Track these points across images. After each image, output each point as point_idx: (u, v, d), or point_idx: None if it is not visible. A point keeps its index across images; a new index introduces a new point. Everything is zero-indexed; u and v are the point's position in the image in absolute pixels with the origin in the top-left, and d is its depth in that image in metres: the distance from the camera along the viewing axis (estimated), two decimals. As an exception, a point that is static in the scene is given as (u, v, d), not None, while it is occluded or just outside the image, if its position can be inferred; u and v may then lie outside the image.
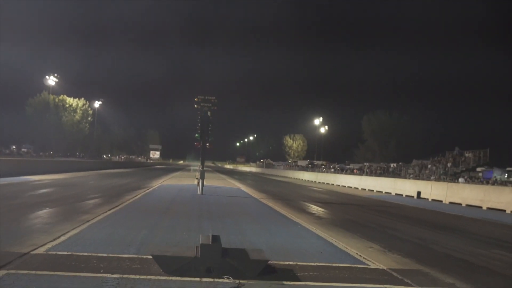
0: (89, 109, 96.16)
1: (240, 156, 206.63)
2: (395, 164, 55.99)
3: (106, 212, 13.34)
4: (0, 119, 78.04)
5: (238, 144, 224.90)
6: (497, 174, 37.71)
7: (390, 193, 34.75)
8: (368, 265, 8.12)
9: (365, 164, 66.57)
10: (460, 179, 35.24)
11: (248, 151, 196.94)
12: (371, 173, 51.68)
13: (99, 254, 7.54)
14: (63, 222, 11.00)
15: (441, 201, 27.83)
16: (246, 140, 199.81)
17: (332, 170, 66.62)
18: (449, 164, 42.21)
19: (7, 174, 26.77)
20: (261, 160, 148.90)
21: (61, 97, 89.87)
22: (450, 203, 26.81)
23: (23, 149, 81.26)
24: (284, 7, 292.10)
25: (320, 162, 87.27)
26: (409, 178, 40.50)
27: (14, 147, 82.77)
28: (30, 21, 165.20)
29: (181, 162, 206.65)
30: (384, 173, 50.66)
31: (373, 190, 37.86)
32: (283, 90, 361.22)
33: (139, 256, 7.55)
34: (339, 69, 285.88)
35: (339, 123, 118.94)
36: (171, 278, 6.34)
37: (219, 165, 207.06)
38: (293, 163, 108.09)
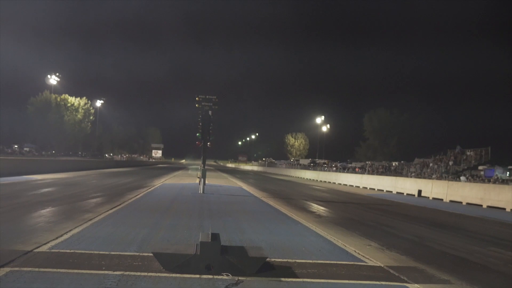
0: (91, 108, 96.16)
1: (242, 155, 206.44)
2: (397, 163, 55.97)
3: (108, 211, 13.48)
4: (2, 118, 78.25)
5: (240, 143, 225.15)
6: (498, 172, 37.64)
7: (391, 191, 34.85)
8: (366, 262, 8.24)
9: (367, 162, 66.51)
10: (462, 178, 35.25)
11: (249, 150, 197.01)
12: (373, 172, 51.67)
13: (101, 252, 7.67)
14: (66, 220, 11.13)
15: (442, 199, 27.91)
16: (248, 139, 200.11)
17: (334, 168, 66.59)
18: (450, 163, 42.21)
19: (9, 173, 26.94)
20: (263, 159, 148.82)
21: (63, 96, 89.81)
22: (451, 201, 26.89)
23: (25, 149, 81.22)
24: (286, 5, 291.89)
25: (322, 161, 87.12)
26: (411, 177, 40.54)
27: (16, 146, 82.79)
28: (31, 20, 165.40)
29: (183, 161, 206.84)
30: (386, 171, 50.63)
31: (374, 189, 37.91)
32: (285, 88, 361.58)
33: (140, 254, 7.69)
34: (341, 68, 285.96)
35: (341, 122, 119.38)
36: (171, 275, 6.47)
37: (221, 164, 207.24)
38: (295, 162, 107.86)
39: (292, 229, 11.92)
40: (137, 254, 7.71)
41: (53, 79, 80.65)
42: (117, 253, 7.71)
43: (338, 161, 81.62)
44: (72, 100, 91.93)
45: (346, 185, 44.56)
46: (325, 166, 73.84)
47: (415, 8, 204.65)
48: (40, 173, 30.83)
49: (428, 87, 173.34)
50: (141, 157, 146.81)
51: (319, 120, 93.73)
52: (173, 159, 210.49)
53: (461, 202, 25.92)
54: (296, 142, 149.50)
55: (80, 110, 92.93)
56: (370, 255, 8.94)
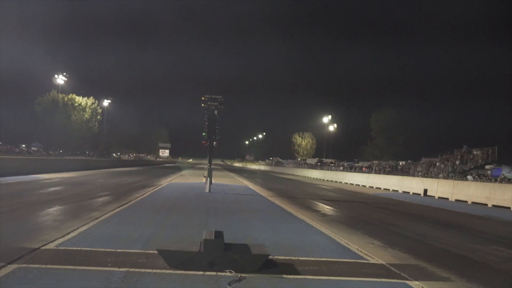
0: (98, 107, 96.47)
1: (249, 154, 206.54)
2: (403, 162, 55.88)
3: (114, 209, 13.62)
4: (9, 118, 78.62)
5: (247, 142, 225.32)
6: (505, 171, 37.55)
7: (397, 191, 34.85)
8: (368, 260, 8.34)
9: (374, 162, 66.43)
10: (469, 177, 35.17)
11: (256, 149, 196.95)
12: (380, 171, 51.62)
13: (106, 249, 7.81)
14: (72, 219, 11.29)
15: (447, 198, 27.90)
16: (255, 138, 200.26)
17: (341, 168, 66.54)
18: (457, 162, 42.14)
19: (17, 172, 27.18)
20: (270, 158, 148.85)
21: (70, 96, 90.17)
22: (456, 200, 26.87)
23: (32, 148, 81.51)
24: (294, 3, 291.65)
25: (329, 160, 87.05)
26: (418, 176, 40.49)
27: (23, 146, 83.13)
28: (38, 19, 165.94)
29: (190, 160, 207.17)
30: (393, 171, 50.54)
31: (380, 188, 37.90)
32: (292, 88, 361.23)
33: (145, 251, 7.82)
34: (348, 67, 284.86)
35: (348, 121, 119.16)
36: (175, 271, 6.61)
37: (228, 163, 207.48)
38: (302, 161, 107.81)
39: (296, 228, 12.02)
40: (142, 251, 7.84)
41: (60, 79, 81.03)
42: (122, 250, 7.84)
43: (345, 161, 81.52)
44: (80, 99, 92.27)
45: (353, 184, 44.58)
46: (332, 166, 73.79)
47: (424, 5, 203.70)
48: (48, 173, 31.06)
49: (436, 86, 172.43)
50: (148, 157, 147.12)
51: (326, 119, 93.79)
52: (180, 158, 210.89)
53: (466, 202, 25.88)
54: (303, 141, 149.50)
55: (87, 109, 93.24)
56: (373, 253, 9.03)
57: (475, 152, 42.69)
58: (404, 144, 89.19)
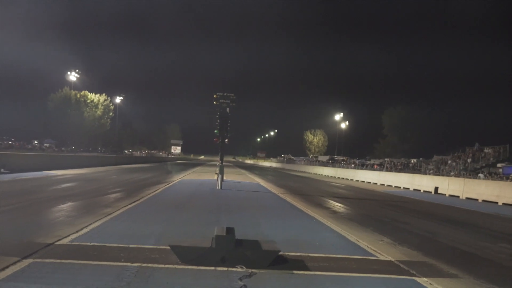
0: (111, 104, 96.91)
1: (260, 151, 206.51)
2: (415, 160, 55.74)
3: (127, 205, 13.75)
4: (22, 114, 79.30)
5: (258, 139, 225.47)
6: (517, 170, 37.36)
7: (408, 188, 34.73)
8: (377, 257, 8.40)
9: (386, 159, 66.30)
10: (480, 175, 35.03)
11: (268, 146, 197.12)
12: (391, 169, 51.53)
13: (119, 245, 7.92)
14: (86, 215, 11.44)
15: (458, 196, 27.79)
16: (266, 135, 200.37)
17: (353, 165, 66.43)
18: (469, 160, 42.00)
19: (30, 169, 27.46)
20: (282, 155, 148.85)
21: (82, 92, 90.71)
22: (467, 198, 26.76)
23: (45, 144, 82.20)
24: (304, 1, 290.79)
25: (341, 158, 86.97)
26: (429, 174, 40.41)
27: (36, 142, 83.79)
28: (50, 17, 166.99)
29: (202, 157, 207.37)
30: (405, 168, 50.44)
31: (391, 186, 37.79)
32: (304, 85, 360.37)
33: (158, 247, 7.93)
34: (361, 64, 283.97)
35: (360, 118, 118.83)
36: (187, 267, 6.70)
37: (240, 160, 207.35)
38: (314, 159, 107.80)
39: (306, 225, 12.10)
40: (155, 247, 7.94)
41: (73, 76, 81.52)
42: (135, 246, 7.95)
43: (357, 158, 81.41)
44: (92, 96, 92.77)
45: (364, 182, 44.46)
46: (343, 163, 73.69)
47: (435, 3, 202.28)
48: (60, 169, 31.32)
49: (449, 84, 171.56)
50: (160, 153, 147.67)
51: (338, 117, 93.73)
52: (192, 155, 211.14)
53: (477, 200, 25.77)
54: (315, 138, 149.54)
55: (99, 106, 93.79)
56: (382, 250, 9.09)
57: (486, 150, 42.53)
58: (416, 141, 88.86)
